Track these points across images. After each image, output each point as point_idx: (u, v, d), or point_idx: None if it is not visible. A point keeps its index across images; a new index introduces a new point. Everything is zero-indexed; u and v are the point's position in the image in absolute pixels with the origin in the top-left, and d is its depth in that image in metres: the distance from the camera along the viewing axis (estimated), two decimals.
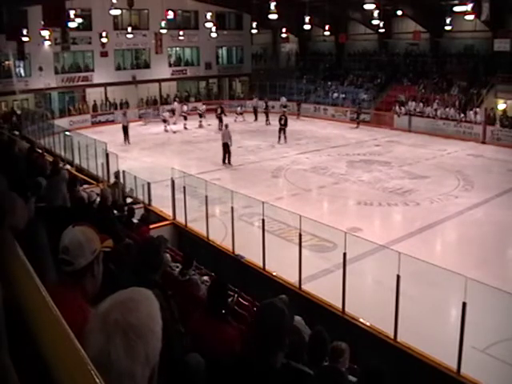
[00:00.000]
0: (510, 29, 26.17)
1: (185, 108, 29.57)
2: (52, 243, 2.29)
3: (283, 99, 32.43)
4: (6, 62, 28.01)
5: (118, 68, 33.25)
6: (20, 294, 1.32)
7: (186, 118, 28.83)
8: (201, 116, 29.18)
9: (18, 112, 27.24)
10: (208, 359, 3.10)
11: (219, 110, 28.41)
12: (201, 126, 28.96)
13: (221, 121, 27.93)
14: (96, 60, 31.84)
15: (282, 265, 9.64)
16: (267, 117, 30.09)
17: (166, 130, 27.58)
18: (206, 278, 7.43)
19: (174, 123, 28.68)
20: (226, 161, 20.05)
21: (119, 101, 32.45)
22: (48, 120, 24.27)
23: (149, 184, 13.30)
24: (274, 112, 31.42)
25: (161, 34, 32.90)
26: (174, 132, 27.48)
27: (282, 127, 23.95)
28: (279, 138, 24.06)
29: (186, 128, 28.44)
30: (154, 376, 1.12)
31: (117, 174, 13.97)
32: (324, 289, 8.86)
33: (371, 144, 24.55)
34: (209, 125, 29.23)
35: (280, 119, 24.12)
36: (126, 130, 24.64)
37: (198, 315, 4.04)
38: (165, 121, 27.79)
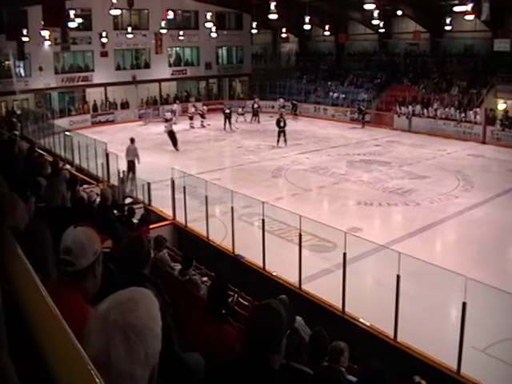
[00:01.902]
0: (510, 29, 26.17)
1: (193, 109, 29.69)
2: (52, 243, 2.29)
3: (281, 100, 32.61)
4: (6, 62, 28.02)
5: (118, 68, 33.25)
6: (20, 294, 1.32)
7: (191, 118, 29.00)
8: (202, 116, 29.27)
9: (18, 112, 27.22)
10: (208, 359, 3.11)
11: (228, 110, 28.58)
12: (203, 126, 29.04)
13: (229, 121, 28.16)
14: (96, 60, 31.84)
15: (282, 265, 9.63)
16: (257, 116, 30.63)
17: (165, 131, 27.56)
18: (205, 278, 7.43)
19: (175, 123, 28.76)
20: (129, 183, 15.25)
21: (119, 101, 32.45)
22: (48, 120, 24.25)
23: (149, 184, 13.30)
24: (272, 112, 31.72)
25: (161, 33, 32.90)
26: (165, 131, 27.49)
27: (282, 130, 23.28)
28: (278, 141, 23.25)
29: (192, 127, 28.74)
30: (153, 376, 1.12)
31: (123, 177, 14.12)
32: (324, 289, 8.86)
33: (371, 144, 24.55)
34: (208, 125, 29.32)
35: (278, 121, 23.48)
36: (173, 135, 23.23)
37: (198, 315, 4.05)
38: (167, 120, 27.78)
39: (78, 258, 1.97)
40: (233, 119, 28.94)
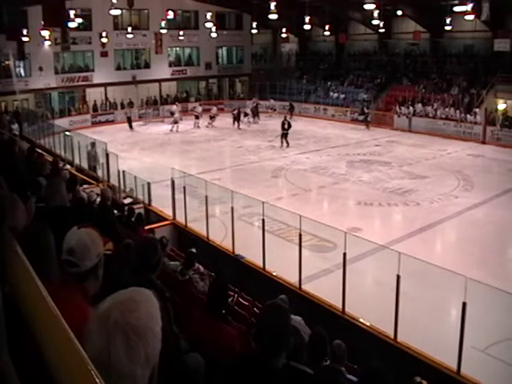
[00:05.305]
0: (510, 29, 26.17)
1: (199, 109, 29.82)
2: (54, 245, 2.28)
3: (271, 101, 33.16)
4: (6, 62, 28.00)
5: (118, 68, 33.24)
6: (20, 294, 1.33)
7: (197, 118, 29.11)
8: (197, 118, 29.27)
9: (19, 111, 27.19)
10: (208, 359, 3.10)
11: (236, 111, 28.93)
12: (198, 127, 29.05)
13: (238, 121, 28.57)
14: (96, 60, 31.82)
15: (282, 265, 9.63)
16: (256, 116, 30.99)
17: (171, 130, 27.61)
18: (202, 268, 7.32)
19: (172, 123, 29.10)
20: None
21: (120, 101, 32.39)
22: (48, 120, 24.25)
23: (149, 184, 13.29)
24: (262, 112, 32.32)
25: (161, 34, 32.91)
26: (177, 132, 27.57)
27: (285, 132, 23.23)
28: (282, 142, 23.26)
29: (198, 126, 28.92)
30: (153, 376, 1.13)
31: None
32: (324, 289, 8.86)
33: (371, 144, 24.55)
34: (209, 123, 29.35)
35: (283, 124, 23.42)
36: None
37: (198, 315, 4.05)
38: (175, 122, 27.82)
39: (82, 259, 1.97)
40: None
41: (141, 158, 21.10)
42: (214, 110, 30.14)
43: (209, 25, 33.81)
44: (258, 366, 2.10)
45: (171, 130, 27.64)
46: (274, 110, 32.30)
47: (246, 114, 30.57)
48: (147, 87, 33.50)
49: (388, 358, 6.94)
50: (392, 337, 7.25)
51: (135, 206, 11.15)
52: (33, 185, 4.71)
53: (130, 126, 28.96)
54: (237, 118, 28.68)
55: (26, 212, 2.49)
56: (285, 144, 23.29)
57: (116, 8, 29.05)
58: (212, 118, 29.30)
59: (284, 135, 23.33)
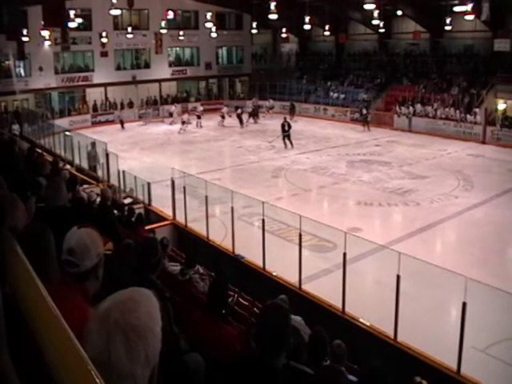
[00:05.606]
0: (510, 28, 26.17)
1: (200, 108, 29.95)
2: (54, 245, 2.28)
3: (270, 101, 33.18)
4: (6, 62, 28.01)
5: (118, 68, 33.25)
6: (20, 294, 1.33)
7: (199, 117, 29.19)
8: (199, 117, 29.30)
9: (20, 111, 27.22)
10: (208, 359, 3.10)
11: (239, 110, 29.00)
12: (200, 126, 29.06)
13: (240, 121, 28.62)
14: (96, 60, 31.84)
15: (282, 265, 9.63)
16: (255, 116, 31.08)
17: (181, 131, 27.64)
18: (202, 269, 7.33)
19: (171, 123, 29.10)
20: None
21: (119, 101, 32.40)
22: (48, 120, 24.26)
23: (149, 184, 13.30)
24: (262, 112, 32.38)
25: (161, 34, 32.93)
26: (179, 132, 27.61)
27: (286, 134, 23.13)
28: (285, 144, 23.13)
29: (201, 126, 29.02)
30: (153, 376, 1.13)
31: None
32: (324, 289, 8.86)
33: (371, 144, 24.55)
34: (221, 123, 29.44)
35: (283, 126, 23.30)
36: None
37: (198, 315, 4.05)
38: (183, 122, 27.84)
39: (82, 259, 1.97)
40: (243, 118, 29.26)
41: (141, 158, 21.10)
42: (225, 109, 30.25)
43: (209, 25, 33.82)
44: (258, 366, 2.10)
45: (181, 130, 27.68)
46: (269, 109, 32.46)
47: (250, 114, 30.61)
48: (147, 87, 33.51)
49: (388, 358, 6.94)
50: (392, 337, 7.25)
51: (135, 206, 11.15)
52: (33, 185, 4.72)
53: (122, 127, 29.21)
54: (239, 118, 28.74)
55: (25, 212, 2.49)
56: (289, 145, 23.13)
57: (116, 8, 29.07)
58: (223, 117, 29.41)
59: (286, 136, 23.19)
